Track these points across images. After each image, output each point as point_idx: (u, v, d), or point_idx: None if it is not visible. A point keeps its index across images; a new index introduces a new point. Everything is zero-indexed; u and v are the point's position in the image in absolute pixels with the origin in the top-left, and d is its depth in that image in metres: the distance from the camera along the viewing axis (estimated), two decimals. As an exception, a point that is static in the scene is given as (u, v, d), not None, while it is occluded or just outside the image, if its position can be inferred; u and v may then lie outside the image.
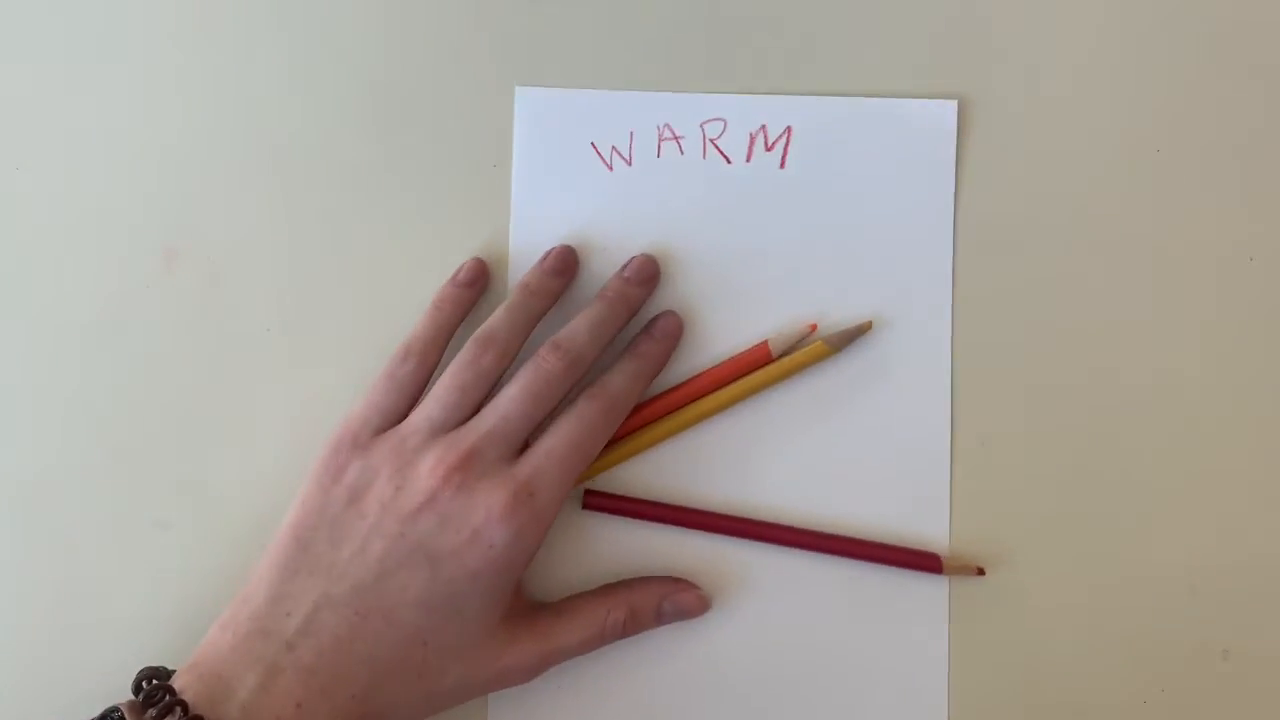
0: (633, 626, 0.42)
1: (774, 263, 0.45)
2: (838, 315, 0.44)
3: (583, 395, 0.42)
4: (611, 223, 0.45)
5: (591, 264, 0.45)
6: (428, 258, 0.45)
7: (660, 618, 0.43)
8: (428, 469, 0.40)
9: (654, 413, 0.44)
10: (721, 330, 0.44)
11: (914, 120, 0.45)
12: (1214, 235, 0.45)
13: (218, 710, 0.37)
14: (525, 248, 0.45)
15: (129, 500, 0.44)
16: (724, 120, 0.45)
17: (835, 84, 0.45)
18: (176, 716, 0.36)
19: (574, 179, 0.45)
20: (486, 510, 0.39)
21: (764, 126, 0.45)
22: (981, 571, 0.43)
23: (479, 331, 0.42)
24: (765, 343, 0.43)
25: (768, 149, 0.45)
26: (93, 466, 0.44)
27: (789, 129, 0.45)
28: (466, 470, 0.39)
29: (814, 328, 0.44)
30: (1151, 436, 0.44)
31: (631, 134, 0.45)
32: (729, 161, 0.45)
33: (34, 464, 0.45)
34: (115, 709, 0.37)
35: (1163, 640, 0.44)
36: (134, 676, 0.39)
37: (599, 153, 0.45)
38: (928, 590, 0.44)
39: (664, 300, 0.45)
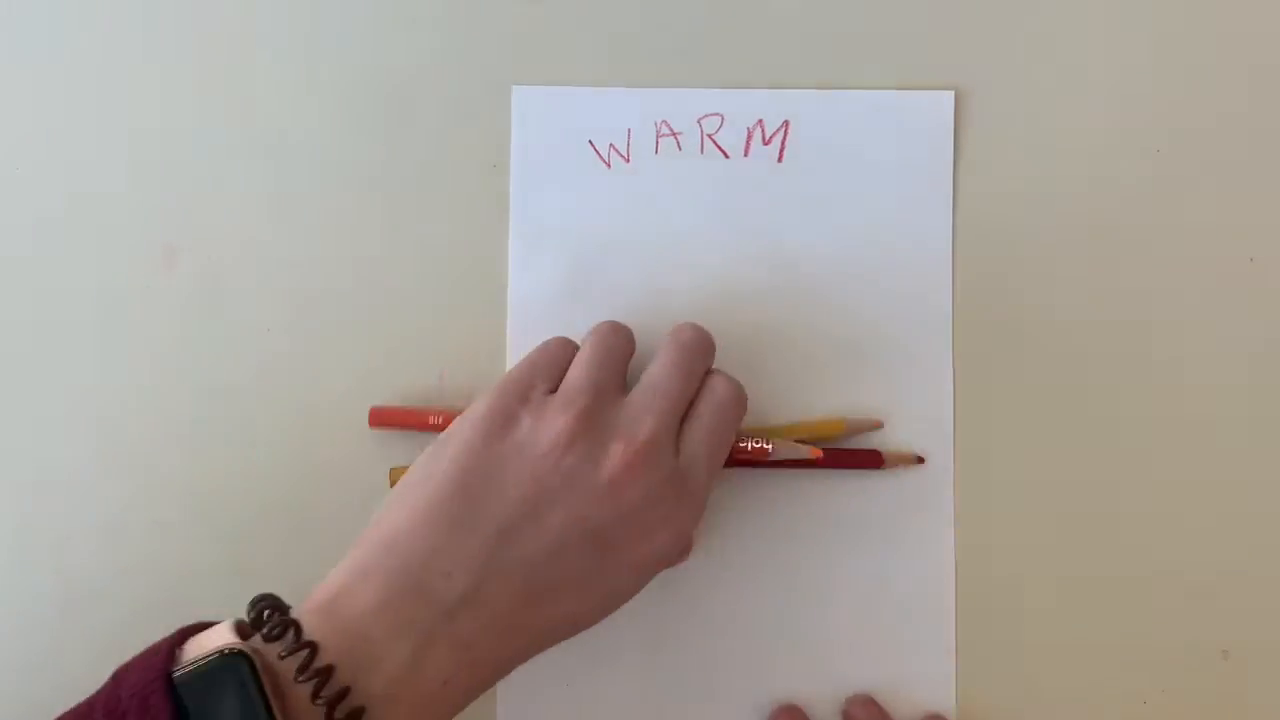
0: None
1: (773, 257, 0.45)
2: (836, 308, 0.44)
3: (716, 398, 0.40)
4: (610, 221, 0.45)
5: (591, 263, 0.45)
6: (427, 258, 0.45)
7: None
8: (617, 460, 0.37)
9: None
10: (720, 326, 0.44)
11: (911, 112, 0.45)
12: (1214, 235, 0.45)
13: (361, 680, 0.33)
14: (524, 247, 0.45)
15: (129, 500, 0.44)
16: (721, 115, 0.45)
17: (832, 77, 0.45)
18: (313, 683, 0.32)
19: (572, 178, 0.45)
20: (665, 515, 0.37)
21: (761, 121, 0.45)
22: (920, 460, 0.43)
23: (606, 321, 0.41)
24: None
25: (765, 143, 0.45)
26: (93, 466, 0.44)
27: (786, 123, 0.45)
28: (649, 462, 0.37)
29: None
30: (1151, 435, 0.44)
31: (629, 131, 0.45)
32: (727, 156, 0.45)
33: (34, 464, 0.45)
34: (239, 651, 0.33)
35: (1163, 640, 0.43)
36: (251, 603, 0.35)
37: (597, 151, 0.45)
38: (931, 597, 0.44)
39: (663, 296, 0.44)
